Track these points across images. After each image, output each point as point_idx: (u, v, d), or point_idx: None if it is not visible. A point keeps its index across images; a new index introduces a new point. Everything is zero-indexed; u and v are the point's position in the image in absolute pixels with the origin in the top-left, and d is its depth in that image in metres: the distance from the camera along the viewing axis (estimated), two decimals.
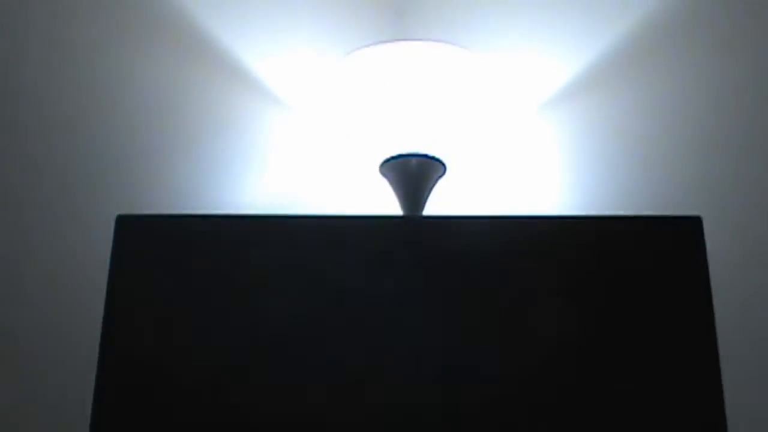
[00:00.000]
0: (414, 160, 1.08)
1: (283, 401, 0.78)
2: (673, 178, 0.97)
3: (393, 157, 1.08)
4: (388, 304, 0.80)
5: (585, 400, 0.77)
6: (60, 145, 1.04)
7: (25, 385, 0.91)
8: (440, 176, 1.09)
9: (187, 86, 1.09)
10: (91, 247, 0.95)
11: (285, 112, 1.13)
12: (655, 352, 0.78)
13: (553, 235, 0.81)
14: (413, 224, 0.84)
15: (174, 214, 0.86)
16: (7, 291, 0.95)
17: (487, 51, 1.06)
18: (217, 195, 1.04)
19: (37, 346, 0.93)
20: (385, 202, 1.12)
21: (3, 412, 0.92)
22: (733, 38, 1.04)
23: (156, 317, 0.81)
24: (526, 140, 1.13)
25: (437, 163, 1.08)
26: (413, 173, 1.07)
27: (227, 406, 0.78)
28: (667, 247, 0.80)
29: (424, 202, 1.07)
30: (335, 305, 0.80)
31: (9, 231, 0.99)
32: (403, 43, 1.06)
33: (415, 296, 0.80)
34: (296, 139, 1.13)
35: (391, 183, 1.09)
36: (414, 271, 0.81)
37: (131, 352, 0.80)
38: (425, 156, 1.08)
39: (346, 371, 0.78)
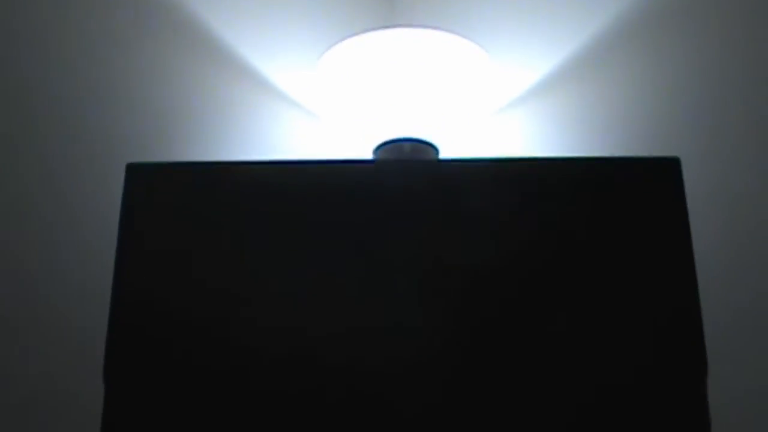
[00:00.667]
0: (407, 145, 1.10)
1: (285, 342, 0.79)
2: (652, 120, 0.98)
3: (386, 142, 1.11)
4: (392, 246, 0.81)
5: (563, 339, 0.77)
6: (71, 95, 1.05)
7: (35, 331, 0.90)
8: None
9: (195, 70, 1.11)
10: (102, 195, 0.96)
11: (278, 97, 1.16)
12: (634, 290, 0.79)
13: (532, 176, 0.83)
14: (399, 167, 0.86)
15: (183, 162, 0.86)
16: (16, 238, 0.95)
17: (477, 36, 1.09)
18: (225, 145, 1.05)
19: (50, 294, 0.93)
20: None
21: (9, 356, 0.92)
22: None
23: (166, 262, 0.82)
24: (512, 118, 1.16)
25: (430, 147, 1.11)
26: (407, 157, 1.10)
27: (234, 348, 0.79)
28: (646, 188, 0.82)
29: None
30: (339, 249, 0.81)
31: (18, 175, 0.99)
32: (393, 29, 1.10)
33: (403, 236, 0.82)
34: (292, 125, 1.16)
35: None
36: (399, 211, 0.83)
37: (142, 298, 0.81)
38: (418, 140, 1.11)
39: (347, 311, 0.79)
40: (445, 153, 1.11)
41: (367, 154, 1.11)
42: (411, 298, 0.79)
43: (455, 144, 1.13)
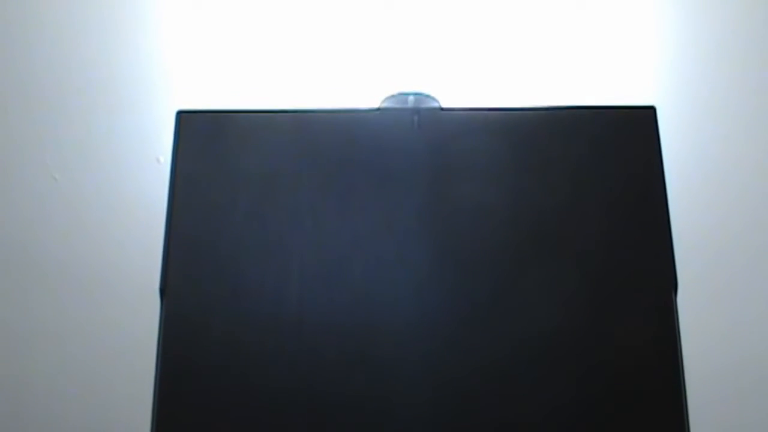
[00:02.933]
0: (411, 98, 1.12)
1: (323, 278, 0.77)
2: (627, 68, 0.96)
3: (391, 97, 1.13)
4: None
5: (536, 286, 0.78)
6: (124, 40, 1.03)
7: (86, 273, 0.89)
8: None
9: None
10: (152, 143, 0.94)
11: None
12: (607, 242, 0.79)
13: (503, 125, 0.83)
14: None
15: (236, 109, 0.84)
16: (66, 176, 0.93)
17: None
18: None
19: (105, 229, 0.91)
20: None
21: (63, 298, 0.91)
22: None
23: (218, 207, 0.80)
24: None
25: (432, 100, 1.12)
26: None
27: (278, 278, 0.77)
28: (621, 137, 0.82)
29: None
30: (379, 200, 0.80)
31: (70, 116, 0.97)
32: None
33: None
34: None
35: None
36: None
37: (194, 242, 0.80)
38: (422, 95, 1.12)
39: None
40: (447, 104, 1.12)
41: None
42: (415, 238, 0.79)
43: (457, 96, 1.14)
